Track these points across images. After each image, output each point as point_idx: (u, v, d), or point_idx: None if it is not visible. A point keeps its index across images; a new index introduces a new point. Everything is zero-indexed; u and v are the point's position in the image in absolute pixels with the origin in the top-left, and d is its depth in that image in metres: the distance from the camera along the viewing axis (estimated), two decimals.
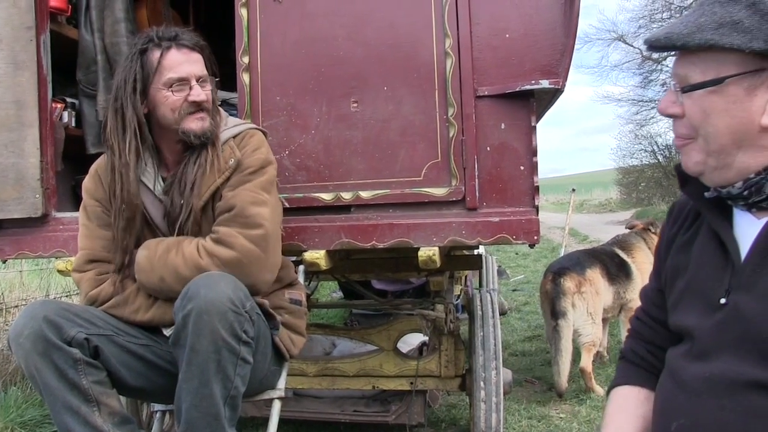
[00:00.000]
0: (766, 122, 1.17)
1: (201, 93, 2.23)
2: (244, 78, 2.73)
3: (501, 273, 9.57)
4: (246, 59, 2.72)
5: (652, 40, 1.29)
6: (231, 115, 2.52)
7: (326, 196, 2.64)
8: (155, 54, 2.21)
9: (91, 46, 3.22)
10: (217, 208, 2.23)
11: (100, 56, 3.19)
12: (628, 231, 5.27)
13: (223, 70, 2.69)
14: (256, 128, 2.42)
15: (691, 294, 1.36)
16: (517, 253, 13.46)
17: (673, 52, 1.32)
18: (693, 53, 1.23)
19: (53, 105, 3.01)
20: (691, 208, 1.46)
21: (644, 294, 1.62)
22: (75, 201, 3.48)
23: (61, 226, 2.91)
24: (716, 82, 1.20)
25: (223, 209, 2.21)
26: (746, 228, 1.27)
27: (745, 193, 1.24)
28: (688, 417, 1.26)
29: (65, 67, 3.30)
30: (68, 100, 3.34)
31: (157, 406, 2.56)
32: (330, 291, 7.81)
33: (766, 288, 1.17)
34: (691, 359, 1.30)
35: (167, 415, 2.99)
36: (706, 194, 1.34)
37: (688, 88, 1.24)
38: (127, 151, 2.18)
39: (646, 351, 1.56)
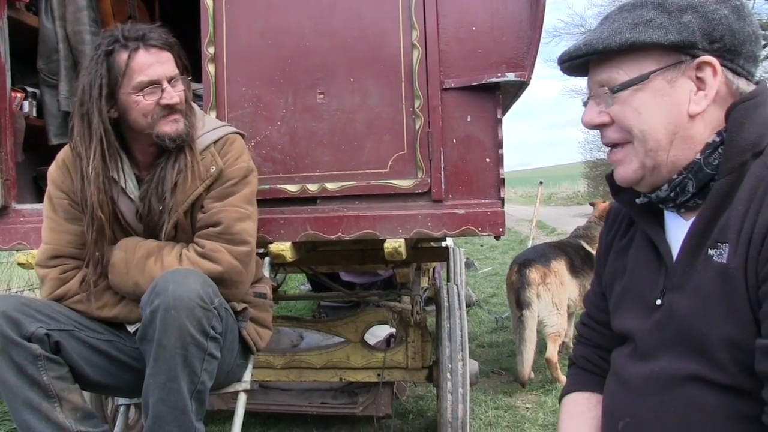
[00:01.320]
0: (694, 110, 1.24)
1: (174, 95, 2.15)
2: (210, 69, 2.69)
3: (469, 265, 9.63)
4: (211, 50, 2.69)
5: (571, 51, 1.34)
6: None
7: (292, 188, 2.62)
8: (122, 56, 2.10)
9: (53, 34, 3.16)
10: (199, 220, 2.20)
11: (62, 45, 3.13)
12: (588, 222, 5.32)
13: (190, 60, 2.66)
14: (236, 132, 2.37)
15: (629, 297, 1.41)
16: (482, 245, 13.56)
17: (583, 75, 1.39)
18: (614, 58, 1.29)
19: (13, 94, 2.95)
20: (626, 213, 1.50)
21: (588, 299, 1.67)
22: (36, 192, 3.42)
23: (21, 218, 2.86)
24: (642, 78, 1.25)
25: (208, 223, 2.18)
26: (676, 230, 1.32)
27: (672, 194, 1.29)
28: (633, 415, 1.30)
29: (25, 56, 3.23)
30: (29, 89, 3.28)
31: (121, 400, 2.52)
32: (298, 283, 7.79)
33: (696, 286, 1.21)
34: (634, 360, 1.34)
35: (132, 409, 2.97)
36: (637, 200, 1.39)
37: (617, 88, 1.29)
38: (92, 159, 2.09)
39: (595, 355, 1.61)
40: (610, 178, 1.43)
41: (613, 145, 1.36)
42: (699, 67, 1.22)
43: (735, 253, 1.14)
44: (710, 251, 1.19)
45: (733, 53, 1.23)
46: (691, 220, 1.27)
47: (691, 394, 1.19)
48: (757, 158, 1.19)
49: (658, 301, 1.29)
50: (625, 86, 1.28)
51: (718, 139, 1.24)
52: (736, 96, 1.24)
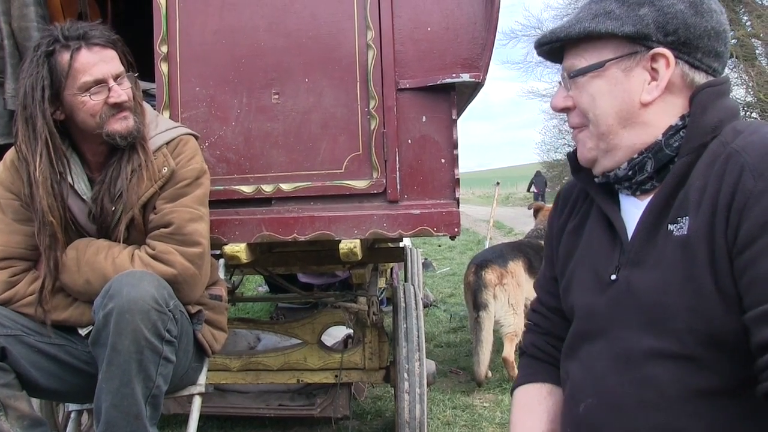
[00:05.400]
0: (645, 98, 1.30)
1: (121, 93, 2.11)
2: (163, 68, 2.66)
3: (427, 265, 9.68)
4: (164, 49, 2.65)
5: (540, 39, 1.43)
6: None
7: (247, 189, 2.60)
8: (64, 56, 2.05)
9: None
10: (151, 221, 2.17)
11: (8, 41, 3.04)
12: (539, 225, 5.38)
13: (145, 58, 2.62)
14: (190, 133, 2.34)
15: (582, 274, 1.43)
16: (440, 246, 13.64)
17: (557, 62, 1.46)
18: (577, 46, 1.36)
19: None
20: (577, 194, 1.55)
21: (539, 286, 1.69)
22: None
23: None
24: (598, 66, 1.33)
25: (160, 224, 2.15)
26: (631, 210, 1.36)
27: (630, 173, 1.34)
28: (594, 396, 1.31)
29: None
30: None
31: (72, 406, 2.47)
32: (256, 285, 7.74)
33: (656, 260, 1.24)
34: (594, 340, 1.36)
35: (84, 415, 2.91)
36: (596, 179, 1.43)
37: (574, 74, 1.36)
38: (39, 163, 2.04)
39: (545, 343, 1.62)
40: (572, 156, 1.48)
41: (577, 128, 1.42)
42: (653, 58, 1.28)
43: (695, 222, 1.18)
44: (670, 227, 1.23)
45: (689, 47, 1.28)
46: (646, 201, 1.32)
47: (647, 371, 1.22)
48: (714, 139, 1.24)
49: (613, 276, 1.32)
50: (581, 72, 1.35)
51: (680, 123, 1.29)
52: (691, 88, 1.30)
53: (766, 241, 1.07)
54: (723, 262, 1.13)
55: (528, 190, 27.84)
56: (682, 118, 1.29)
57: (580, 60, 1.35)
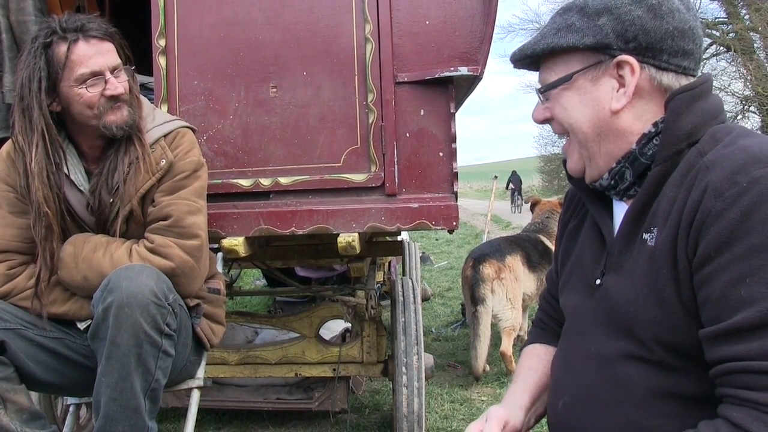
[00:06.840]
0: (615, 106, 1.31)
1: (118, 86, 2.10)
2: (161, 61, 2.65)
3: (424, 259, 9.69)
4: (162, 42, 2.65)
5: (511, 57, 1.46)
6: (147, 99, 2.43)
7: (245, 183, 2.60)
8: (61, 48, 2.04)
9: None
10: (150, 213, 2.17)
11: (6, 35, 3.03)
12: (547, 215, 5.38)
13: (142, 52, 2.61)
14: (187, 126, 2.34)
15: (575, 277, 1.48)
16: (437, 239, 13.65)
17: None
18: (549, 60, 1.39)
19: None
20: (580, 196, 1.57)
21: (549, 275, 1.76)
22: None
23: None
24: (566, 78, 1.35)
25: (158, 217, 2.15)
26: (621, 215, 1.38)
27: (612, 182, 1.36)
28: (571, 394, 1.37)
29: None
30: None
31: (71, 400, 2.47)
32: (253, 278, 7.74)
33: (630, 268, 1.27)
34: (574, 339, 1.42)
35: (83, 408, 2.91)
36: (591, 185, 1.45)
37: (544, 88, 1.40)
38: (35, 154, 2.04)
39: (553, 322, 1.71)
40: (565, 162, 1.50)
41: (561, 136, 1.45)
42: (618, 65, 1.29)
43: (662, 235, 1.20)
44: (644, 235, 1.25)
45: (653, 50, 1.28)
46: None
47: (620, 372, 1.26)
48: (693, 147, 1.24)
49: (598, 281, 1.36)
50: (551, 86, 1.38)
51: (653, 130, 1.29)
52: (661, 90, 1.30)
53: (720, 262, 1.09)
54: (685, 276, 1.16)
55: (506, 188, 29.82)
56: (655, 125, 1.29)
57: (551, 74, 1.38)
